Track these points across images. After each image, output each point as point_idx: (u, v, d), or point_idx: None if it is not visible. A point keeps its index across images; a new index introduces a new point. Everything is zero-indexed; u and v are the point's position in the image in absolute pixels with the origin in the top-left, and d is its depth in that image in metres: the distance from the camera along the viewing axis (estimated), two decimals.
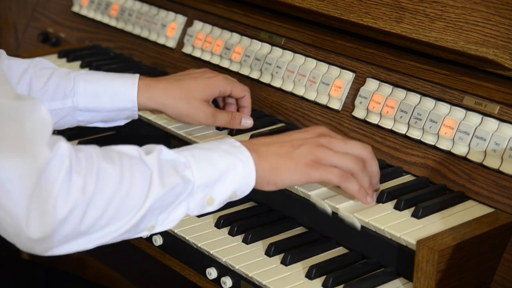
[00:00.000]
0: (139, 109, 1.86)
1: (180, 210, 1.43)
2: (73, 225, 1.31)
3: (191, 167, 1.42)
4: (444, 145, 1.68)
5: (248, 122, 1.91)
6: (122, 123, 1.92)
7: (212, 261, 1.66)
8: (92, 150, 1.36)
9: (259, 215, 1.78)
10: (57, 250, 1.34)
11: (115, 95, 1.83)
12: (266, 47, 2.07)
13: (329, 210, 1.63)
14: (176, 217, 1.43)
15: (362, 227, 1.59)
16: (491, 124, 1.63)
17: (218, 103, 2.01)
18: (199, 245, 1.68)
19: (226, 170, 1.45)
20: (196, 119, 1.86)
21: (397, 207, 1.59)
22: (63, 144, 1.31)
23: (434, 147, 1.70)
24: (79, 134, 2.15)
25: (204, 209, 1.46)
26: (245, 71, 2.09)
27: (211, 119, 1.86)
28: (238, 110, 1.96)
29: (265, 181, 1.51)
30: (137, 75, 1.86)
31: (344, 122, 1.87)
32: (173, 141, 2.01)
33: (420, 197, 1.61)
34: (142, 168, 1.38)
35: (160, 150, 1.42)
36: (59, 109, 1.83)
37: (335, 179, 1.53)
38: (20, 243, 1.31)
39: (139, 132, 2.15)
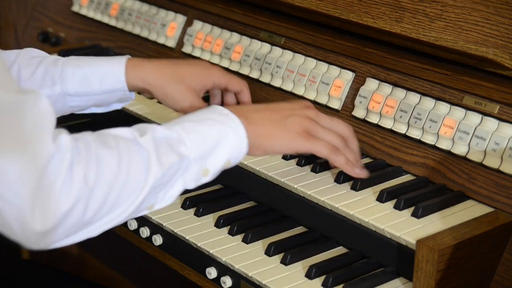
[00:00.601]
0: (129, 89, 1.81)
1: (177, 185, 1.45)
2: (77, 216, 1.31)
3: (184, 141, 1.43)
4: (444, 144, 1.68)
5: None
6: (118, 106, 1.89)
7: (212, 261, 1.66)
8: (89, 137, 1.36)
9: (259, 214, 1.78)
10: (62, 242, 1.35)
11: (103, 77, 1.80)
12: (266, 46, 2.07)
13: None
14: (173, 193, 1.45)
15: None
16: (491, 123, 1.63)
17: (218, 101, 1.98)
18: (199, 244, 1.68)
19: (218, 139, 1.46)
20: (180, 106, 1.80)
21: (397, 207, 1.59)
22: (64, 136, 1.31)
23: (434, 147, 1.70)
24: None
25: (200, 181, 1.48)
26: (244, 71, 2.09)
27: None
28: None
29: (255, 146, 1.53)
30: (127, 56, 1.84)
31: (344, 121, 1.86)
32: None
33: (420, 196, 1.61)
34: (139, 150, 1.38)
35: (153, 130, 1.43)
36: (48, 96, 1.79)
37: (325, 151, 1.58)
38: (26, 238, 1.30)
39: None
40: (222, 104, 1.94)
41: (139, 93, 2.03)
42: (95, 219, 1.35)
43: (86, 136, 1.36)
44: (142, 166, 1.38)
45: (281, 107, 1.60)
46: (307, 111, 1.61)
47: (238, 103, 1.93)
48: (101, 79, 1.80)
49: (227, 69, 2.13)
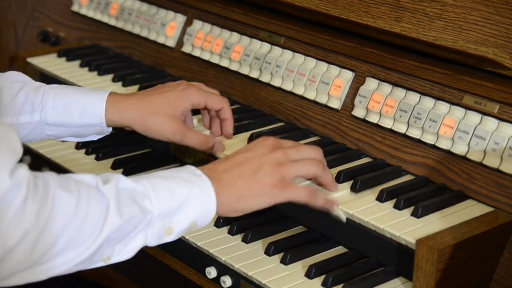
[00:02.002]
0: (107, 125, 1.79)
1: (137, 240, 1.40)
2: (24, 253, 1.27)
3: (149, 196, 1.39)
4: (443, 144, 1.68)
5: (219, 149, 1.82)
6: (95, 138, 1.86)
7: (211, 260, 1.66)
8: (50, 177, 1.33)
9: (259, 214, 1.78)
10: (8, 281, 1.30)
11: (83, 110, 1.77)
12: (266, 46, 2.07)
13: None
14: (133, 247, 1.40)
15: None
16: (491, 123, 1.63)
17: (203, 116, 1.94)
18: (198, 244, 1.68)
19: (185, 199, 1.42)
20: (163, 135, 1.79)
21: (396, 206, 1.59)
22: (22, 171, 1.28)
23: (433, 147, 1.70)
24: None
25: (162, 239, 1.43)
26: (244, 70, 2.09)
27: (179, 136, 1.79)
28: (220, 123, 1.89)
29: (232, 209, 1.49)
30: (108, 91, 1.80)
31: (344, 121, 1.87)
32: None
33: (420, 196, 1.61)
34: (99, 197, 1.34)
35: (117, 180, 1.39)
36: (26, 123, 1.77)
37: (303, 198, 1.53)
38: None
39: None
40: (209, 121, 1.92)
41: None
42: (44, 260, 1.31)
43: (48, 176, 1.33)
44: (99, 213, 1.33)
45: (248, 157, 1.52)
46: (275, 154, 1.53)
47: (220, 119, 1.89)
48: (81, 113, 1.77)
49: (227, 69, 2.13)
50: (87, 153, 2.10)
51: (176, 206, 1.41)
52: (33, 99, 1.77)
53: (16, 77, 1.82)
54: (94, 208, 1.33)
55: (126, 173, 1.96)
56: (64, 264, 1.33)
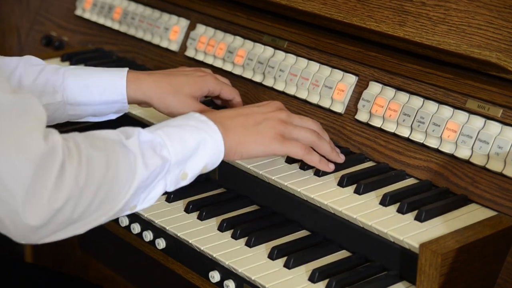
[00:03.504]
0: (128, 102, 1.87)
1: (159, 187, 1.51)
2: (67, 214, 1.35)
3: (166, 145, 1.49)
4: (447, 148, 1.68)
5: None
6: (113, 116, 1.94)
7: (215, 264, 1.66)
8: (78, 138, 1.41)
9: (262, 218, 1.78)
10: (51, 238, 1.39)
11: (104, 88, 1.85)
12: (269, 50, 2.07)
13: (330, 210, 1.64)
14: (154, 195, 1.51)
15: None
16: (494, 127, 1.63)
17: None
18: (202, 248, 1.68)
19: (197, 146, 1.53)
20: (181, 113, 1.83)
21: (400, 210, 1.59)
22: (56, 136, 1.36)
23: (437, 151, 1.70)
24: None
25: (179, 184, 1.54)
26: (248, 75, 2.09)
27: None
28: None
29: (232, 151, 1.61)
30: (126, 68, 1.88)
31: (347, 125, 1.87)
32: None
33: (423, 200, 1.61)
34: (125, 152, 1.44)
35: (138, 133, 1.48)
36: (49, 104, 1.84)
37: (299, 152, 1.66)
38: (16, 233, 1.34)
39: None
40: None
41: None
42: (83, 217, 1.39)
43: (76, 137, 1.41)
44: (128, 167, 1.43)
45: (254, 111, 1.67)
46: (279, 114, 1.68)
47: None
48: (101, 91, 1.85)
49: (230, 73, 2.13)
50: None
51: (190, 152, 1.52)
52: (54, 81, 1.85)
53: (34, 61, 1.90)
54: (123, 162, 1.43)
55: None
56: (101, 216, 1.43)
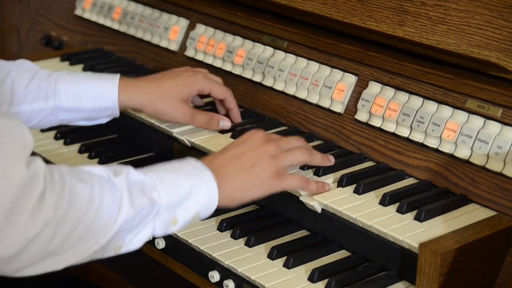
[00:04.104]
0: (119, 108, 1.90)
1: (146, 230, 1.47)
2: (43, 244, 1.32)
3: (157, 188, 1.46)
4: (446, 148, 1.68)
5: (226, 124, 1.93)
6: (104, 121, 1.96)
7: (214, 264, 1.66)
8: (64, 169, 1.38)
9: (262, 218, 1.78)
10: (27, 271, 1.35)
11: (96, 95, 1.88)
12: (269, 50, 2.07)
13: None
14: (142, 237, 1.47)
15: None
16: (494, 127, 1.63)
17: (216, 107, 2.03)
18: (201, 248, 1.68)
19: (190, 192, 1.49)
20: (174, 118, 1.92)
21: (399, 210, 1.58)
22: (39, 164, 1.32)
23: (436, 150, 1.70)
24: (80, 138, 2.18)
25: (169, 229, 1.50)
26: (247, 74, 2.09)
27: (189, 118, 1.91)
28: (226, 113, 1.99)
29: (233, 199, 1.57)
30: (118, 75, 1.90)
31: (347, 125, 1.87)
32: (175, 144, 2.01)
33: (423, 200, 1.61)
34: (112, 189, 1.40)
35: (128, 172, 1.45)
36: (41, 109, 1.87)
37: (298, 185, 1.64)
38: None
39: (141, 135, 2.16)
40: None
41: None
42: (60, 251, 1.35)
43: (61, 168, 1.38)
44: (113, 204, 1.40)
45: (246, 150, 1.61)
46: (268, 147, 1.62)
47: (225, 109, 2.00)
48: (93, 97, 1.88)
49: (230, 73, 2.13)
50: (90, 157, 2.10)
51: (182, 198, 1.49)
52: (46, 87, 1.87)
53: (26, 65, 1.91)
54: (108, 199, 1.39)
55: None
56: (79, 253, 1.38)
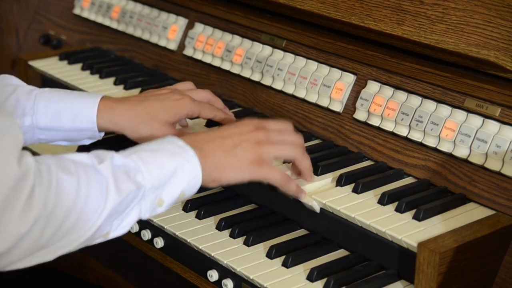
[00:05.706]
0: (99, 130, 1.81)
1: (133, 214, 1.46)
2: (34, 238, 1.32)
3: (141, 171, 1.45)
4: (445, 147, 1.68)
5: None
6: (87, 142, 1.87)
7: (213, 264, 1.66)
8: (50, 160, 1.37)
9: (260, 217, 1.78)
10: (18, 264, 1.35)
11: (75, 115, 1.79)
12: (267, 49, 2.07)
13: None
14: (129, 221, 1.46)
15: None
16: (492, 126, 1.63)
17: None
18: (200, 247, 1.68)
19: (174, 171, 1.48)
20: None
21: (398, 210, 1.59)
22: (29, 158, 1.32)
23: (435, 150, 1.70)
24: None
25: (154, 211, 1.49)
26: (246, 73, 2.09)
27: None
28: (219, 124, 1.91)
29: (211, 178, 1.55)
30: (100, 96, 1.81)
31: (345, 124, 1.87)
32: None
33: (421, 199, 1.61)
34: (98, 177, 1.40)
35: (111, 157, 1.44)
36: None
37: (277, 180, 1.60)
38: None
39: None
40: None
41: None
42: (51, 243, 1.36)
43: (47, 159, 1.37)
44: (100, 192, 1.39)
45: (232, 132, 1.59)
46: (256, 134, 1.60)
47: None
48: (73, 117, 1.79)
49: (229, 72, 2.13)
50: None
51: (166, 178, 1.47)
52: (24, 104, 1.78)
53: (8, 80, 1.84)
54: (95, 187, 1.38)
55: None
56: (70, 243, 1.39)
